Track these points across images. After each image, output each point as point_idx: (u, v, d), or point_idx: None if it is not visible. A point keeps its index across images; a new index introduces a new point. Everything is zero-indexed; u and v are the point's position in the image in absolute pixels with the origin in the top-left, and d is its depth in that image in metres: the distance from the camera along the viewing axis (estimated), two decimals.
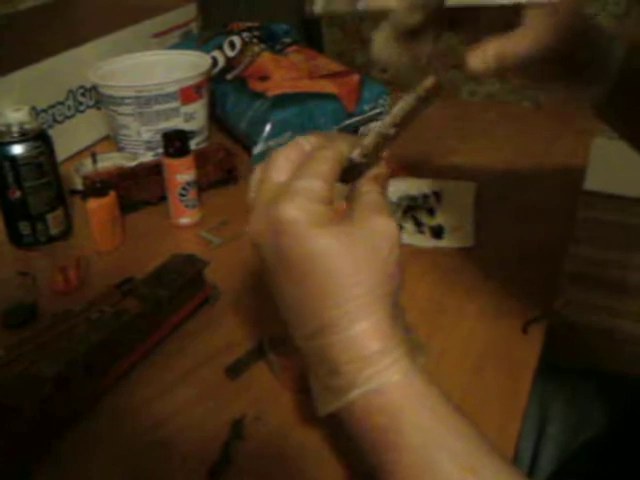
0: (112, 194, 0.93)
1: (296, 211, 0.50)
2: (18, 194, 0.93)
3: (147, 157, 1.14)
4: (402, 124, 0.57)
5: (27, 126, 0.93)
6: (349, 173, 0.55)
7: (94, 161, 0.97)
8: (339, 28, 3.11)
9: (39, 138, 0.93)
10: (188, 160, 0.96)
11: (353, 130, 1.19)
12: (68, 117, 1.21)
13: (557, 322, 0.83)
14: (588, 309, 2.12)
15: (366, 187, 0.56)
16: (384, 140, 0.57)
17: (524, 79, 0.69)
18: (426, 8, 0.61)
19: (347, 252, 0.50)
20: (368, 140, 0.56)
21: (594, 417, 0.95)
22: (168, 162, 0.95)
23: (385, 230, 0.52)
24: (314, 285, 0.50)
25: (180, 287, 0.78)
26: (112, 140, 1.22)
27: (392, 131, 0.57)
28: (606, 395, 0.98)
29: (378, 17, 0.64)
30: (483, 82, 2.98)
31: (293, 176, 0.52)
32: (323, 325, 0.50)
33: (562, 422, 0.94)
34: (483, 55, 0.61)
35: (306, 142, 0.55)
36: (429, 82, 0.59)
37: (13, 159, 0.91)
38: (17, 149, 0.91)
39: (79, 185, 1.07)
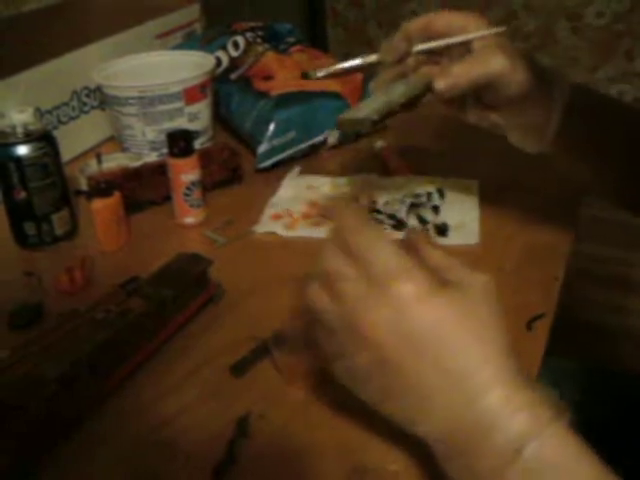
0: (117, 194, 0.93)
1: (414, 285, 0.52)
2: (23, 195, 0.93)
3: (151, 157, 1.15)
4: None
5: (31, 127, 0.93)
6: None
7: (99, 162, 0.97)
8: (343, 28, 3.11)
9: (43, 139, 0.93)
10: (192, 160, 0.96)
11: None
12: (73, 118, 1.22)
13: (561, 319, 0.83)
14: (592, 306, 2.12)
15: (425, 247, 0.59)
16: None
17: (486, 109, 0.79)
18: (399, 51, 0.78)
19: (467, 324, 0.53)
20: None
21: (598, 413, 0.95)
22: (172, 162, 0.95)
23: (485, 285, 0.55)
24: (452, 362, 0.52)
25: (185, 286, 0.78)
26: (116, 140, 1.22)
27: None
28: (610, 392, 0.98)
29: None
30: None
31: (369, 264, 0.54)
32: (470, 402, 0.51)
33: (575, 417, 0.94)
34: (447, 76, 0.72)
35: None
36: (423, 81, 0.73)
37: (18, 160, 0.91)
38: (22, 150, 0.91)
39: (84, 185, 1.07)
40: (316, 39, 2.98)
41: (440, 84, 0.73)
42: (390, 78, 0.79)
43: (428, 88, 0.74)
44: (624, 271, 2.30)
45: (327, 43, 3.13)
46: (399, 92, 0.72)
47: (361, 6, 3.04)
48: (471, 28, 0.75)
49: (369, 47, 3.10)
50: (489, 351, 0.52)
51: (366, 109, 0.71)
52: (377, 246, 0.54)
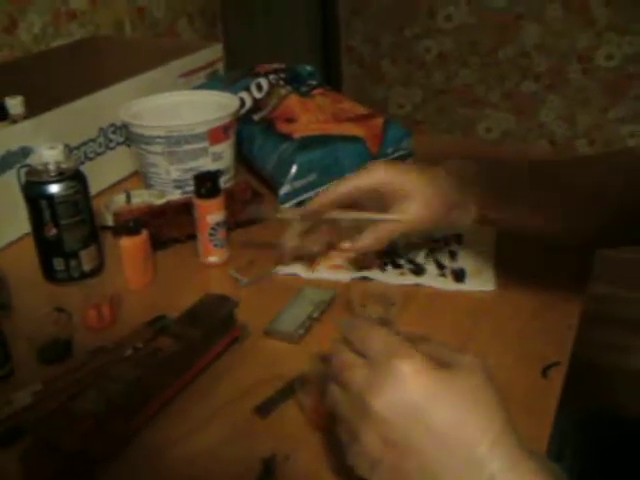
0: (144, 232, 0.96)
1: (414, 361, 0.56)
2: (54, 231, 0.96)
3: (175, 195, 1.17)
4: None
5: (64, 165, 0.96)
6: None
7: (128, 200, 1.00)
8: (358, 65, 3.15)
9: (75, 177, 0.96)
10: (218, 201, 0.98)
11: None
12: (99, 154, 1.25)
13: (576, 364, 0.85)
14: (606, 349, 2.13)
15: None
16: None
17: None
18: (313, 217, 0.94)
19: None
20: None
21: (613, 461, 0.96)
22: (199, 203, 0.98)
23: (476, 364, 0.58)
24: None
25: (212, 327, 0.80)
26: (141, 177, 1.25)
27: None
28: (624, 440, 1.00)
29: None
30: (499, 119, 3.01)
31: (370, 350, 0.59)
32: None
33: (580, 465, 0.95)
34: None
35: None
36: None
37: (50, 198, 0.94)
38: (54, 188, 0.94)
39: (109, 221, 1.10)
40: (330, 75, 3.02)
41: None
42: (299, 232, 0.95)
43: (333, 299, 0.92)
44: (630, 311, 2.31)
45: (341, 79, 3.17)
46: (313, 305, 0.90)
47: (376, 43, 3.08)
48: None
49: (383, 83, 3.15)
50: (486, 424, 0.54)
51: (292, 322, 0.87)
52: (374, 332, 0.60)
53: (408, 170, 0.91)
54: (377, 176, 0.90)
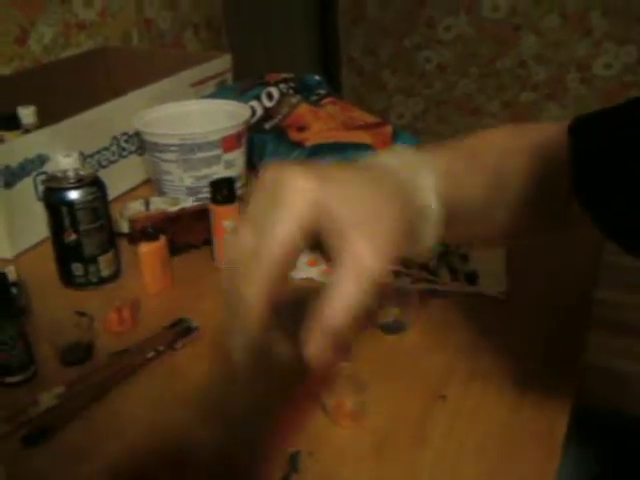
0: (162, 238, 0.98)
1: None
2: (73, 237, 0.98)
3: (188, 202, 1.19)
4: None
5: (82, 172, 0.98)
6: None
7: (147, 207, 1.02)
8: (357, 74, 3.19)
9: (94, 184, 0.98)
10: (234, 207, 1.00)
11: None
12: (112, 162, 1.27)
13: (586, 367, 0.87)
14: (611, 353, 2.15)
15: None
16: None
17: None
18: None
19: None
20: None
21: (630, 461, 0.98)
22: (215, 209, 1.00)
23: None
24: None
25: None
26: (154, 185, 1.27)
27: None
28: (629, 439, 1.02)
29: None
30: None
31: None
32: None
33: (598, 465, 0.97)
34: None
35: None
36: None
37: (70, 204, 0.96)
38: (74, 194, 0.96)
39: (124, 228, 1.12)
40: (330, 85, 3.05)
41: None
42: None
43: None
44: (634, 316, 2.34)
45: (341, 88, 3.20)
46: None
47: (376, 54, 3.12)
48: None
49: (384, 92, 3.18)
50: None
51: None
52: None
53: None
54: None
